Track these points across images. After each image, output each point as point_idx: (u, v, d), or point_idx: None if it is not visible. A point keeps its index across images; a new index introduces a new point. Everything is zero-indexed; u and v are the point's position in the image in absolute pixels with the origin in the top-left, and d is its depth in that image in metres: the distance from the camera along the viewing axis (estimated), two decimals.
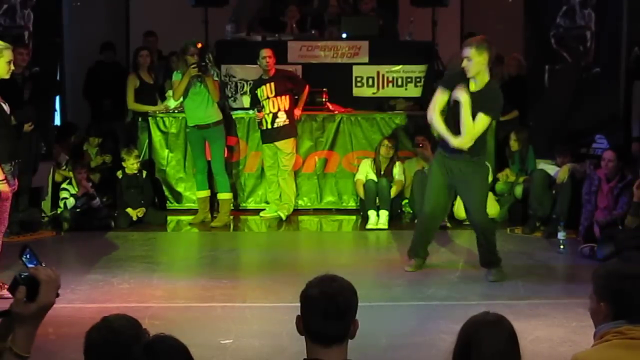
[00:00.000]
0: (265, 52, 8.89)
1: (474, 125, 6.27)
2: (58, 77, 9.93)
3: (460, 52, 6.43)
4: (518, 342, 2.57)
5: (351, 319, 2.72)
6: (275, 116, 8.91)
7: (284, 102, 8.94)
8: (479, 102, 6.28)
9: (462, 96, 6.28)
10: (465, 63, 6.31)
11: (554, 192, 8.37)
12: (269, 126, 8.95)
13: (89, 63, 10.69)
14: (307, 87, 9.14)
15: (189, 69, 8.53)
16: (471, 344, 2.54)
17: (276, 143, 8.98)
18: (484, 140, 6.56)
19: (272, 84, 8.90)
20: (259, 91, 8.95)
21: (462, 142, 6.32)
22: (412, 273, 6.75)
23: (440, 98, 6.49)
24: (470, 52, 6.26)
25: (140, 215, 8.79)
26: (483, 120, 6.30)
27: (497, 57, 10.38)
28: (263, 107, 8.94)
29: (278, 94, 8.90)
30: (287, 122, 8.95)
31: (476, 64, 6.26)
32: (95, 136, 9.86)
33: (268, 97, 8.91)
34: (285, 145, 8.98)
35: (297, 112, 9.09)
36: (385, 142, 8.97)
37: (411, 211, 9.07)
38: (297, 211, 9.27)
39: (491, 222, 7.07)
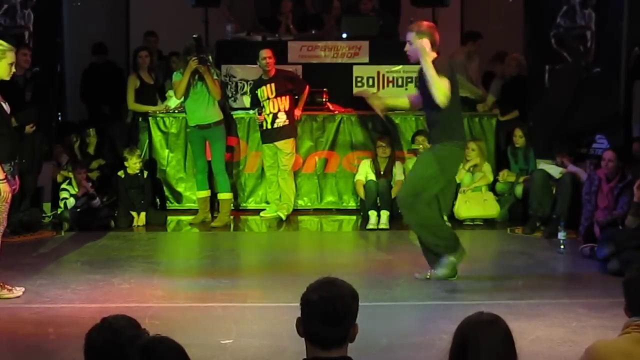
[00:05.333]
0: (265, 53, 8.89)
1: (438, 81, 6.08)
2: (58, 77, 9.92)
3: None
4: (514, 342, 2.58)
5: (350, 323, 2.72)
6: (275, 116, 8.92)
7: (284, 102, 8.94)
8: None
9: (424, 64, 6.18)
10: (407, 47, 6.28)
11: (554, 192, 8.38)
12: (269, 126, 8.96)
13: (88, 63, 10.69)
14: (307, 87, 9.14)
15: (189, 62, 8.54)
16: (467, 344, 2.54)
17: (276, 143, 8.99)
18: (452, 121, 6.30)
19: (273, 84, 8.90)
20: (259, 91, 8.96)
21: (437, 92, 6.08)
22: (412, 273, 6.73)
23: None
24: (411, 37, 6.22)
25: (141, 224, 8.79)
26: (442, 80, 6.08)
27: (498, 55, 10.42)
28: (263, 107, 8.95)
29: (278, 94, 8.90)
30: (287, 123, 8.95)
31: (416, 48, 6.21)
32: (93, 136, 9.85)
33: (268, 98, 8.91)
34: (285, 145, 8.99)
35: (297, 112, 9.09)
36: (379, 142, 9.00)
37: None
38: (297, 211, 9.27)
39: (417, 208, 6.37)
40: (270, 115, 8.92)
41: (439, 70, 6.11)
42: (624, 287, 3.17)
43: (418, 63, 6.29)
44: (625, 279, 3.22)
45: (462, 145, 6.52)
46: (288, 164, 9.04)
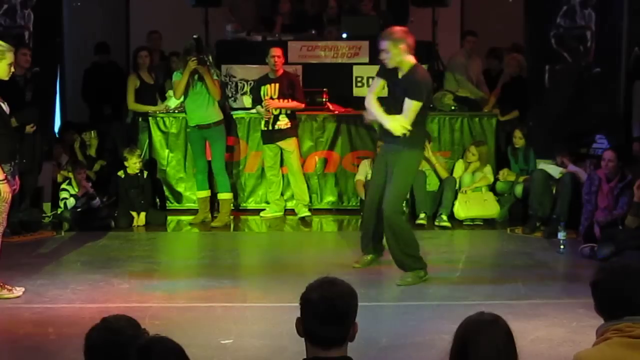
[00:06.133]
0: (275, 52, 8.87)
1: (403, 114, 6.20)
2: (58, 77, 9.92)
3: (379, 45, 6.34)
4: (514, 342, 2.58)
5: (350, 322, 2.73)
6: (276, 118, 8.90)
7: (286, 105, 8.91)
8: (403, 89, 6.27)
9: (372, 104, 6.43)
10: (383, 56, 6.30)
11: (554, 192, 8.38)
12: (270, 127, 8.94)
13: (89, 63, 10.69)
14: (303, 104, 9.03)
15: (188, 63, 8.54)
16: (468, 344, 2.54)
17: (278, 143, 8.98)
18: (419, 130, 6.41)
19: (277, 85, 8.87)
20: (263, 88, 8.92)
21: (395, 125, 6.23)
22: None
23: (376, 83, 6.56)
24: (387, 45, 6.24)
25: (141, 224, 8.79)
26: (410, 105, 6.18)
27: (515, 46, 10.45)
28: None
29: (281, 96, 8.87)
30: (288, 125, 8.93)
31: (394, 55, 6.26)
32: (94, 137, 9.85)
33: (271, 98, 8.88)
34: (287, 144, 8.98)
35: (277, 103, 8.83)
36: (379, 142, 8.96)
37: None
38: (294, 211, 9.26)
39: (400, 219, 6.51)
40: (272, 117, 8.91)
41: (414, 94, 6.20)
42: (591, 289, 2.99)
43: (396, 67, 6.32)
44: (593, 280, 2.99)
45: (423, 150, 6.98)
46: (294, 162, 9.03)
